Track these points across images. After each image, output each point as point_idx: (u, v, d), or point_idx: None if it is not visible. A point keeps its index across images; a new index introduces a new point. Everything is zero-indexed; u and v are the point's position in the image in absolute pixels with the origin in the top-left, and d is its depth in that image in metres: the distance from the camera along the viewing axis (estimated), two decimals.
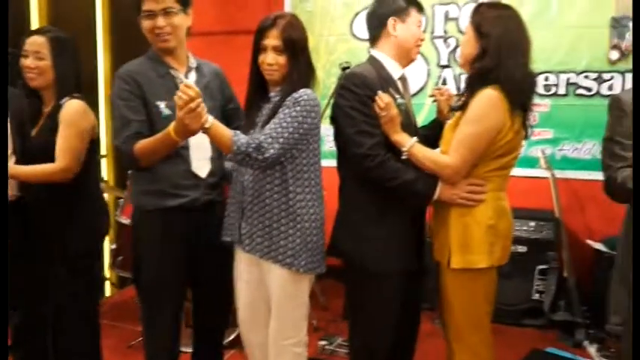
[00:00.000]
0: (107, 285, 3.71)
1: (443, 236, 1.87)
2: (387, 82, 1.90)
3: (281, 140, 1.73)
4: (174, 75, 1.98)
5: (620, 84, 3.23)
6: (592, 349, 2.84)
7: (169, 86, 1.93)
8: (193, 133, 1.70)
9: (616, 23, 3.21)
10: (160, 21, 1.91)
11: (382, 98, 1.80)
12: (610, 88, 3.25)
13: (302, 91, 1.77)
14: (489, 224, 1.81)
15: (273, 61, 1.79)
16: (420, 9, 1.96)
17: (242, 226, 1.89)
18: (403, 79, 2.01)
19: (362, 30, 3.63)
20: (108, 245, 3.01)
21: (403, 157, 1.83)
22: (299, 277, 1.85)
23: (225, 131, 1.71)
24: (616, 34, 3.22)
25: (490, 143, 1.77)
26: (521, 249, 3.17)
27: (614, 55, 3.25)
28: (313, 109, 1.77)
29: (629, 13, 3.18)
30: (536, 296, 3.17)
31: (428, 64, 3.60)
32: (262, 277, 1.91)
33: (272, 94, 1.87)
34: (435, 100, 2.12)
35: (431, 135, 2.02)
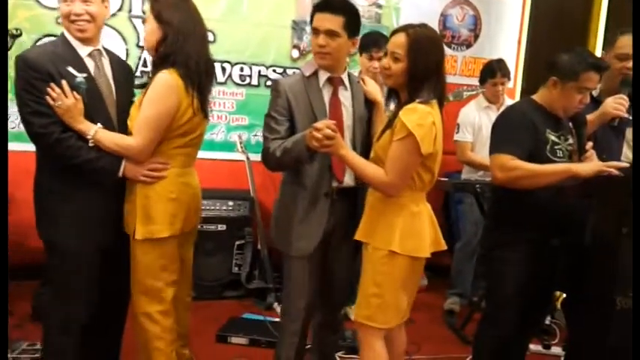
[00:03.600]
0: None
1: (130, 209, 1.96)
2: (65, 61, 1.88)
3: None
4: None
5: None
6: (279, 309, 3.26)
7: None
8: None
9: (296, 25, 3.71)
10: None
11: (52, 90, 1.80)
12: None
13: None
14: (170, 197, 1.95)
15: None
16: None
17: None
18: (95, 55, 1.97)
19: None
20: None
21: (90, 145, 1.86)
22: None
23: None
24: (296, 36, 3.72)
25: (171, 121, 1.90)
26: (221, 227, 3.40)
27: (295, 53, 3.75)
28: None
29: (307, 17, 3.70)
30: (235, 269, 3.45)
31: (126, 43, 3.46)
32: None
33: None
34: None
35: None
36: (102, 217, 1.96)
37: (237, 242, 3.45)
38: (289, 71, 3.72)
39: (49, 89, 1.81)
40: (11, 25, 3.17)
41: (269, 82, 3.72)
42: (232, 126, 3.69)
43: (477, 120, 3.41)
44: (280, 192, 2.11)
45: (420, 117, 1.74)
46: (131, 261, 1.98)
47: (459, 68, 4.07)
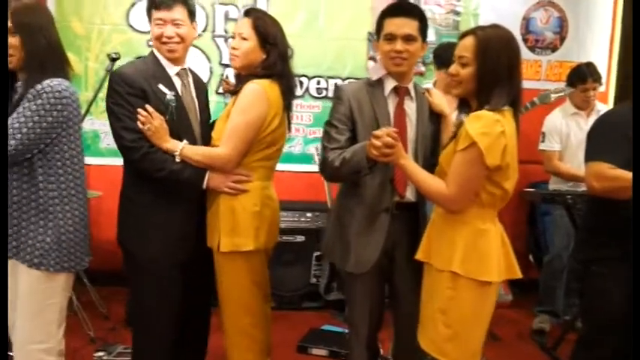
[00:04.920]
0: None
1: (213, 222, 1.97)
2: (157, 79, 1.96)
3: (18, 136, 1.64)
4: None
5: None
6: None
7: None
8: None
9: (372, 37, 3.71)
10: None
11: (141, 113, 1.87)
12: None
13: (47, 82, 1.68)
14: (254, 210, 1.95)
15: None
16: (158, 7, 1.97)
17: None
18: (182, 74, 2.05)
19: (140, 21, 3.48)
20: None
21: (177, 161, 1.91)
22: (49, 276, 1.74)
23: None
24: (372, 47, 3.72)
25: (257, 132, 1.92)
26: (300, 238, 3.44)
27: (371, 64, 3.74)
28: (60, 102, 1.69)
29: None
30: (314, 280, 3.48)
31: (210, 62, 3.63)
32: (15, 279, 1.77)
33: (18, 83, 1.74)
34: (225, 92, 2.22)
35: None
36: (183, 231, 1.99)
37: (315, 253, 3.47)
38: None
39: (138, 115, 1.88)
40: (108, 49, 3.45)
41: None
42: (309, 138, 3.75)
43: (564, 128, 3.22)
44: (336, 204, 2.01)
45: (485, 124, 1.57)
46: (217, 275, 2.00)
47: (543, 73, 3.88)
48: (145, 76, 1.93)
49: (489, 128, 1.57)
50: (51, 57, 1.72)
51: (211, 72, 3.63)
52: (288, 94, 2.01)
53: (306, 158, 3.70)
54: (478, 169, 1.59)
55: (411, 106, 1.95)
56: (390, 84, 1.92)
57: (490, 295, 1.67)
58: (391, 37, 1.86)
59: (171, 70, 2.01)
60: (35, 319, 1.74)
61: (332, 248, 1.99)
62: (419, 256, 1.77)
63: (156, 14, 1.97)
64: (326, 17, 3.68)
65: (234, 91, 2.01)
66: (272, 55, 1.96)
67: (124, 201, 2.04)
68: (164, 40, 1.97)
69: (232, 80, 2.22)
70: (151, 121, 1.88)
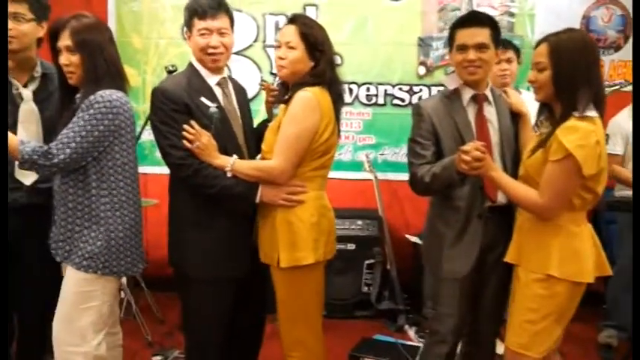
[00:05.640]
0: None
1: (269, 236, 1.92)
2: (198, 91, 1.92)
3: (72, 145, 1.72)
4: (11, 82, 2.00)
5: (427, 95, 3.66)
6: (411, 332, 3.18)
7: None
8: None
9: (422, 42, 3.66)
10: (10, 24, 1.94)
11: (188, 131, 1.85)
12: (419, 99, 3.66)
13: (99, 93, 1.75)
14: (312, 222, 1.90)
15: (67, 61, 1.80)
16: (202, 16, 1.90)
17: (52, 230, 1.86)
18: (222, 83, 2.01)
19: None
20: None
21: (229, 176, 1.87)
22: (92, 279, 1.79)
23: (12, 141, 1.71)
24: (422, 52, 3.66)
25: (311, 142, 1.87)
26: (351, 246, 3.41)
27: (422, 70, 3.69)
28: (110, 111, 1.75)
29: (433, 33, 3.66)
30: (365, 289, 3.44)
31: (260, 71, 3.69)
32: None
33: (77, 96, 1.83)
34: (263, 89, 2.18)
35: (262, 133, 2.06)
36: (235, 247, 1.95)
37: (367, 261, 3.43)
38: (416, 89, 3.68)
39: (184, 133, 1.84)
40: (164, 61, 3.56)
41: (395, 101, 3.71)
42: (359, 145, 3.73)
43: (630, 130, 3.04)
44: (429, 213, 2.09)
45: (581, 137, 1.63)
46: (276, 288, 1.95)
47: (607, 73, 3.69)
48: (187, 89, 1.89)
49: (585, 140, 1.63)
50: (108, 73, 1.79)
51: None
52: (338, 102, 1.98)
53: (355, 165, 3.68)
54: (574, 180, 1.66)
55: (491, 111, 1.99)
56: (467, 93, 1.97)
57: (579, 294, 1.76)
58: (463, 47, 1.91)
59: (212, 80, 1.97)
60: (70, 321, 1.79)
61: (428, 255, 2.07)
62: (508, 258, 1.83)
63: (200, 24, 1.90)
64: (375, 23, 3.66)
65: (283, 101, 1.97)
66: (321, 63, 1.90)
67: (172, 217, 2.01)
68: (210, 50, 1.91)
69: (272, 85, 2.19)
70: (199, 138, 1.84)
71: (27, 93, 2.04)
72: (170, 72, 2.65)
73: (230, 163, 1.87)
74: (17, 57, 2.01)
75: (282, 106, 1.98)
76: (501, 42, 2.39)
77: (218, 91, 1.98)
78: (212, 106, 1.90)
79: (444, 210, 1.99)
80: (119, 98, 1.78)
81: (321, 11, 3.62)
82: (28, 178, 1.98)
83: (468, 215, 1.93)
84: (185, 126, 1.85)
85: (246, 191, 1.88)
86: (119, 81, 1.83)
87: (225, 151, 1.91)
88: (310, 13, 3.60)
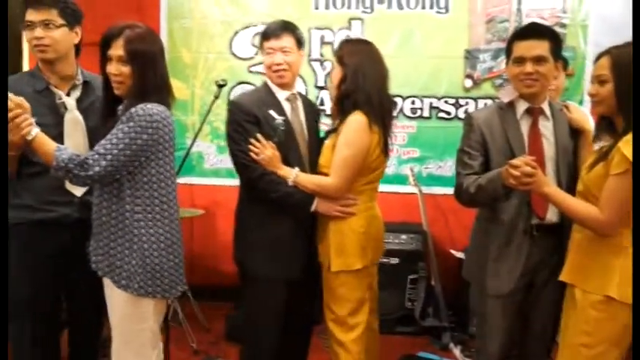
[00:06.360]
0: None
1: (324, 241, 2.09)
2: (267, 104, 2.10)
3: (109, 157, 1.68)
4: (53, 91, 1.98)
5: (473, 109, 3.61)
6: (457, 351, 3.10)
7: (45, 102, 1.94)
8: (15, 145, 1.68)
9: (469, 55, 3.61)
10: (39, 32, 1.90)
11: (254, 144, 2.03)
12: (465, 112, 3.60)
13: (140, 105, 1.70)
14: (361, 231, 2.05)
15: (117, 71, 1.74)
16: (268, 37, 2.13)
17: (91, 243, 1.85)
18: (291, 99, 2.18)
19: (241, 49, 3.67)
20: None
21: (290, 185, 2.03)
22: (137, 300, 1.76)
23: (49, 146, 1.69)
24: (469, 65, 3.61)
25: (364, 161, 2.00)
26: (394, 261, 3.38)
27: (468, 83, 3.64)
28: (150, 126, 1.69)
29: (480, 46, 3.60)
30: (409, 304, 3.39)
31: (306, 85, 3.73)
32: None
33: (120, 107, 1.81)
34: None
35: None
36: (291, 247, 2.10)
37: (411, 276, 3.39)
38: (462, 101, 3.63)
39: (250, 146, 2.03)
40: (212, 75, 3.68)
41: (441, 114, 3.67)
42: (403, 159, 3.70)
43: None
44: (474, 227, 2.08)
45: None
46: (325, 292, 2.10)
47: None
48: (258, 103, 2.10)
49: None
50: (155, 86, 1.76)
51: (307, 94, 3.71)
52: (372, 118, 2.04)
53: (400, 179, 3.65)
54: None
55: (546, 126, 1.96)
56: (522, 106, 1.95)
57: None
58: (521, 60, 1.89)
59: (281, 95, 2.16)
60: (129, 343, 1.78)
61: (471, 269, 2.07)
62: (564, 277, 1.76)
63: (266, 44, 2.13)
64: (421, 36, 3.64)
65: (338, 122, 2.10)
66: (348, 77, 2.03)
67: (238, 218, 2.19)
68: (274, 68, 2.12)
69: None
70: (263, 151, 2.03)
71: (71, 102, 1.98)
72: (220, 86, 2.82)
73: (293, 175, 2.04)
74: (56, 67, 1.97)
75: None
76: None
77: (287, 106, 2.16)
78: (278, 119, 2.08)
79: (489, 223, 1.98)
80: (160, 112, 1.72)
81: (366, 25, 3.64)
82: (78, 189, 1.98)
83: (512, 230, 1.90)
84: (252, 140, 2.03)
85: (303, 200, 2.05)
86: (165, 95, 1.80)
87: (287, 160, 2.07)
88: (355, 27, 3.63)
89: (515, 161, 1.69)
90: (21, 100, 1.65)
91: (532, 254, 1.90)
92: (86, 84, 2.04)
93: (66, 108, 1.97)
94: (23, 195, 1.94)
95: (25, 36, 1.95)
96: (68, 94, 2.00)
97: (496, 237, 1.93)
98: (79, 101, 2.01)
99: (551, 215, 1.89)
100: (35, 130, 1.67)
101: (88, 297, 2.03)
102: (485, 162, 1.94)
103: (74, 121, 1.97)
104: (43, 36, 1.91)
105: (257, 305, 2.11)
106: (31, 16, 1.90)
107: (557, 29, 3.52)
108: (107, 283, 1.82)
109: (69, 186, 1.95)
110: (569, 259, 1.77)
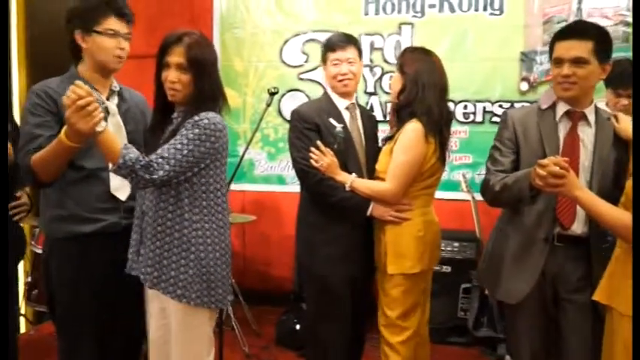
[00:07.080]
0: (22, 321, 3.44)
1: (381, 244, 2.13)
2: (327, 113, 2.23)
3: (172, 162, 1.66)
4: (95, 96, 1.93)
5: None
6: None
7: None
8: (83, 134, 1.61)
9: (525, 57, 3.50)
10: (125, 44, 1.93)
11: (314, 152, 2.13)
12: None
13: (204, 114, 1.71)
14: (418, 236, 2.09)
15: (175, 78, 1.72)
16: (334, 49, 2.23)
17: (140, 252, 1.80)
18: (350, 108, 2.27)
19: (291, 57, 3.71)
20: (23, 278, 2.81)
21: (347, 190, 2.10)
22: (194, 309, 1.75)
23: (116, 141, 1.65)
24: (525, 67, 3.49)
25: (419, 168, 2.03)
26: (446, 269, 3.31)
27: (524, 86, 3.52)
28: (213, 134, 1.70)
29: (537, 47, 3.48)
30: (461, 314, 3.31)
31: (355, 91, 3.72)
32: (163, 309, 1.82)
33: (174, 114, 1.80)
34: None
35: None
36: (350, 249, 2.19)
37: (463, 285, 3.31)
38: (517, 105, 3.50)
39: (310, 154, 2.13)
40: (263, 83, 3.74)
41: (495, 119, 3.56)
42: (455, 165, 3.62)
43: None
44: (494, 228, 2.04)
45: None
46: (380, 293, 2.16)
47: None
48: (318, 112, 2.22)
49: None
50: (212, 95, 1.77)
51: (356, 100, 3.70)
52: (429, 128, 2.08)
53: (452, 185, 3.57)
54: None
55: (587, 132, 1.83)
56: (561, 108, 1.86)
57: None
58: (559, 61, 1.78)
59: (341, 104, 2.27)
60: (188, 351, 1.78)
61: (484, 272, 2.03)
62: (598, 297, 1.62)
63: (332, 56, 2.23)
64: (474, 38, 3.56)
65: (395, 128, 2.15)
66: (408, 86, 2.10)
67: (300, 222, 2.32)
68: (339, 77, 2.23)
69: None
70: (323, 158, 2.12)
71: (113, 107, 1.95)
72: (272, 94, 2.89)
73: (350, 180, 2.12)
74: (109, 75, 1.97)
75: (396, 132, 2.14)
76: (624, 77, 2.14)
77: (346, 114, 2.27)
78: (338, 127, 2.17)
79: (508, 225, 1.93)
80: (221, 122, 1.75)
81: (416, 29, 3.60)
82: (123, 193, 1.92)
83: (532, 235, 1.83)
84: (312, 148, 2.13)
85: (359, 204, 2.13)
86: (220, 103, 1.81)
87: (345, 166, 2.16)
88: (406, 32, 3.59)
89: (543, 160, 1.59)
90: (89, 89, 1.60)
91: (550, 264, 1.81)
92: (120, 92, 2.04)
93: (108, 112, 1.93)
94: (67, 204, 1.86)
95: (105, 42, 1.89)
96: (107, 100, 1.98)
97: (513, 241, 1.88)
98: (117, 107, 1.99)
99: (577, 227, 1.78)
100: (105, 123, 1.63)
101: (129, 308, 1.95)
102: (516, 161, 1.88)
103: (117, 125, 1.95)
104: (123, 47, 1.92)
105: (320, 304, 2.22)
106: (115, 25, 1.88)
107: (622, 28, 3.36)
108: (153, 294, 1.80)
109: (114, 190, 1.90)
110: (605, 275, 1.63)
